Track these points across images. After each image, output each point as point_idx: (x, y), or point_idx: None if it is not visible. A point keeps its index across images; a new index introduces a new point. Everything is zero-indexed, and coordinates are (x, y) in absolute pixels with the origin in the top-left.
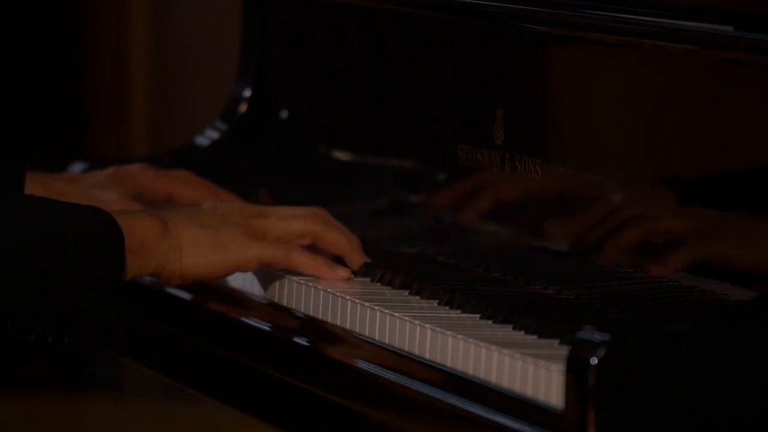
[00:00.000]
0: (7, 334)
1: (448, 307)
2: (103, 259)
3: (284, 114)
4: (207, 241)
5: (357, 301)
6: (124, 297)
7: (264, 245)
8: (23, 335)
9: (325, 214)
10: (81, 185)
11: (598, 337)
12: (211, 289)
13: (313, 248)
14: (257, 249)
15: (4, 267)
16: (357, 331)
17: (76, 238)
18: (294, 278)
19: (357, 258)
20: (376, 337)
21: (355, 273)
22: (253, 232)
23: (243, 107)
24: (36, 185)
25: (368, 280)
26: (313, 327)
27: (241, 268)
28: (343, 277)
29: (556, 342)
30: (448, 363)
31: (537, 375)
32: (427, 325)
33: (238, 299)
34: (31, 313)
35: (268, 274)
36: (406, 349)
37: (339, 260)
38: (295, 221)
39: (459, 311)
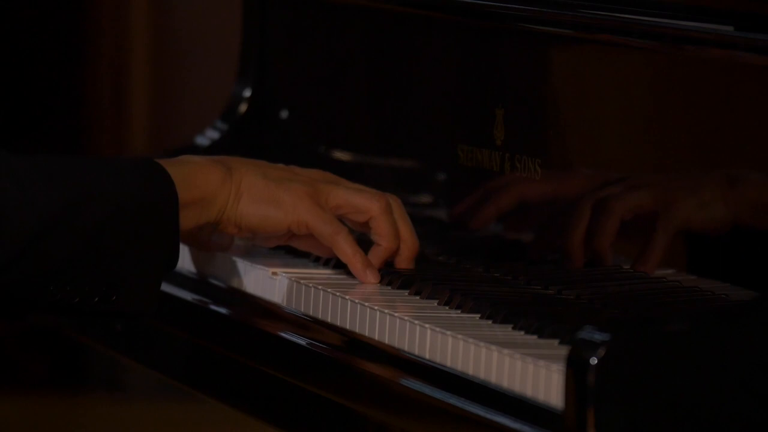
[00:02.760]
0: (53, 295)
1: (448, 307)
2: (154, 219)
3: (284, 114)
4: (265, 192)
5: (357, 300)
6: (176, 257)
7: (318, 214)
8: (70, 295)
9: (393, 202)
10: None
11: (598, 337)
12: (210, 289)
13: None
14: (310, 215)
15: (53, 227)
16: (357, 330)
17: (127, 196)
18: (293, 276)
19: (398, 261)
20: (376, 337)
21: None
22: (315, 195)
23: (243, 107)
24: None
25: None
26: (313, 326)
27: (292, 229)
28: (372, 282)
29: (556, 342)
30: (448, 363)
31: (537, 375)
32: (427, 325)
33: (238, 298)
34: (78, 273)
35: (265, 273)
36: (406, 349)
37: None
38: (359, 194)
39: (459, 311)
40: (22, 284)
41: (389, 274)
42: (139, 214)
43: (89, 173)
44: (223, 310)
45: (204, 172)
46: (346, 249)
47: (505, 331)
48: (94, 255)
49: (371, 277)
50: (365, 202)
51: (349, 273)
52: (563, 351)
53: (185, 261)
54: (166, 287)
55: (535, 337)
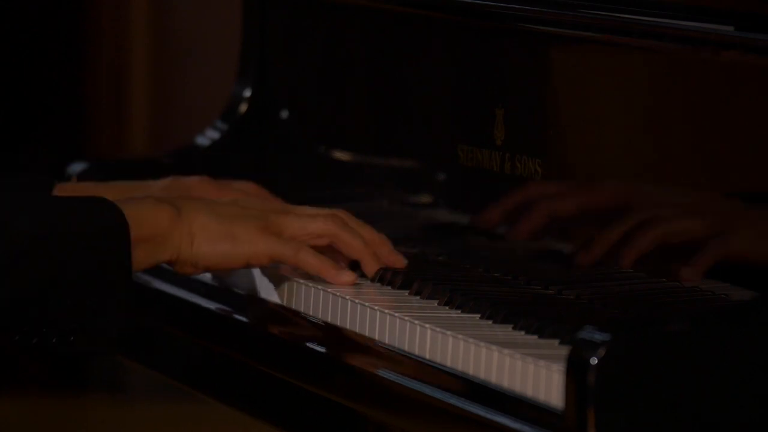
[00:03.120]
0: (10, 336)
1: (448, 307)
2: (109, 255)
3: (284, 114)
4: (218, 230)
5: (357, 301)
6: (132, 294)
7: (275, 241)
8: (26, 337)
9: (345, 216)
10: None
11: (598, 337)
12: (209, 288)
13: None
14: (267, 244)
15: (5, 267)
16: (357, 330)
17: (80, 234)
18: (294, 277)
19: (370, 264)
20: (376, 337)
21: (371, 279)
22: (269, 228)
23: (243, 107)
24: (83, 194)
25: (368, 279)
26: (313, 327)
27: (252, 261)
28: (347, 282)
29: (556, 342)
30: (448, 363)
31: (537, 375)
32: (427, 325)
33: (238, 299)
34: (32, 314)
35: (267, 272)
36: (406, 349)
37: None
38: (313, 221)
39: (459, 311)
40: None
41: (389, 275)
42: (91, 250)
43: (40, 212)
44: (223, 310)
45: (153, 212)
46: (312, 261)
47: (506, 331)
48: (48, 295)
49: (347, 278)
50: (320, 227)
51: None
52: (563, 351)
53: None
54: (166, 287)
55: (535, 337)
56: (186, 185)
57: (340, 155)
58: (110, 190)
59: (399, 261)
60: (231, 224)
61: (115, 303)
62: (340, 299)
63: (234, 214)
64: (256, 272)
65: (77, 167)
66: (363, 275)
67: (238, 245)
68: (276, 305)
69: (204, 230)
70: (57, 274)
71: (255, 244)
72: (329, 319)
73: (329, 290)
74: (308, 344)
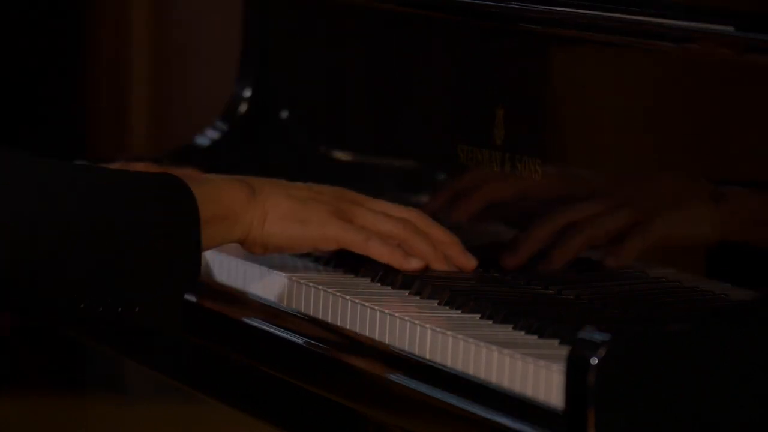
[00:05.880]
0: (77, 305)
1: (448, 307)
2: (176, 235)
3: (284, 114)
4: (290, 211)
5: (357, 300)
6: (198, 271)
7: (345, 227)
8: (94, 304)
9: (419, 219)
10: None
11: (598, 337)
12: (208, 288)
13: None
14: (338, 229)
15: (75, 240)
16: (357, 330)
17: (149, 211)
18: (294, 277)
19: (454, 264)
20: (376, 337)
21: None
22: (340, 214)
23: (243, 107)
24: None
25: (368, 280)
26: (313, 326)
27: (320, 245)
28: (417, 268)
29: (556, 342)
30: (448, 363)
31: (537, 375)
32: (427, 325)
33: (239, 300)
34: (101, 285)
35: (266, 273)
36: (406, 349)
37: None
38: (386, 221)
39: (459, 311)
40: (47, 291)
41: (389, 274)
42: (161, 228)
43: (112, 186)
44: (222, 310)
45: (228, 191)
46: (382, 251)
47: (506, 331)
48: (116, 267)
49: (416, 264)
50: (392, 230)
51: (348, 272)
52: (563, 351)
53: None
54: None
55: (535, 337)
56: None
57: (340, 155)
58: None
59: (470, 262)
60: (304, 206)
61: (180, 280)
62: (340, 299)
63: (307, 197)
64: (256, 271)
65: None
66: (363, 275)
67: (309, 228)
68: (275, 305)
69: (276, 211)
70: (126, 246)
71: (325, 228)
72: (329, 319)
73: (329, 290)
74: (308, 344)
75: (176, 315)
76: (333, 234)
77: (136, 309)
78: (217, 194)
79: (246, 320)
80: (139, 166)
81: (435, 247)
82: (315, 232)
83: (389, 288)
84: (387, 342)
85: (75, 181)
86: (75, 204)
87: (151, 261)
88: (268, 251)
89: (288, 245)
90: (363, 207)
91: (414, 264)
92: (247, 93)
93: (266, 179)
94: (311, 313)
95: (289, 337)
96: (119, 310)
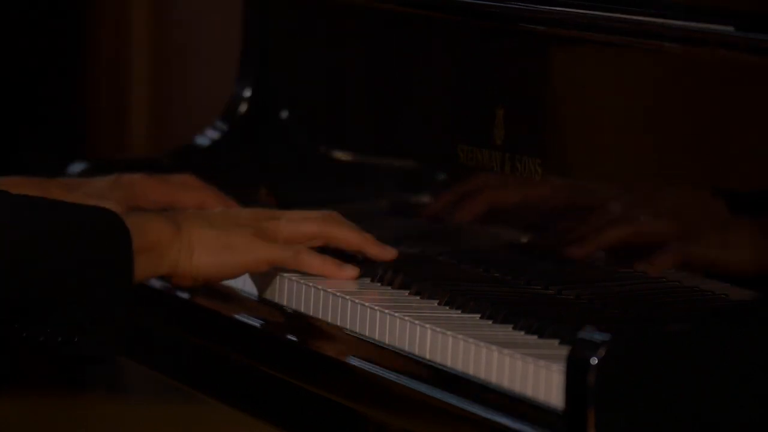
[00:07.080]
0: (17, 334)
1: (448, 307)
2: (112, 261)
3: (284, 114)
4: (216, 241)
5: (357, 300)
6: (133, 300)
7: (272, 246)
8: (33, 335)
9: (336, 216)
10: (79, 193)
11: (598, 337)
12: (208, 288)
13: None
14: (266, 250)
15: (12, 268)
16: (357, 330)
17: (84, 239)
18: (294, 277)
19: (376, 250)
20: (376, 337)
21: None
22: (263, 234)
23: (243, 107)
24: (34, 190)
25: (368, 279)
26: (314, 327)
27: (251, 269)
28: (351, 276)
29: (556, 342)
30: (448, 363)
31: (537, 375)
32: (427, 325)
33: (237, 299)
34: (40, 314)
35: (266, 273)
36: (406, 349)
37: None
38: (305, 223)
39: (459, 311)
40: None
41: (389, 274)
42: (94, 255)
43: (48, 215)
44: (223, 311)
45: (155, 223)
46: (314, 261)
47: (506, 331)
48: (53, 296)
49: (351, 272)
50: (313, 228)
51: None
52: (563, 351)
53: None
54: (165, 286)
55: (535, 337)
56: (130, 181)
57: (340, 155)
58: (51, 185)
59: (387, 252)
60: (228, 234)
61: (117, 308)
62: (340, 299)
63: (228, 224)
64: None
65: (77, 167)
66: (363, 275)
67: (237, 254)
68: (275, 305)
69: (202, 242)
70: (61, 277)
71: (254, 252)
72: (329, 319)
73: (329, 290)
74: (308, 344)
75: (115, 343)
76: (263, 256)
77: (76, 339)
78: (143, 226)
79: (246, 320)
80: (135, 177)
81: (361, 233)
82: (244, 257)
83: (389, 288)
84: (387, 342)
85: (12, 205)
86: (9, 234)
87: (86, 287)
88: (199, 283)
89: (219, 274)
90: (283, 219)
91: (348, 272)
92: (247, 93)
93: (188, 212)
94: (310, 313)
95: (288, 336)
96: (59, 340)
